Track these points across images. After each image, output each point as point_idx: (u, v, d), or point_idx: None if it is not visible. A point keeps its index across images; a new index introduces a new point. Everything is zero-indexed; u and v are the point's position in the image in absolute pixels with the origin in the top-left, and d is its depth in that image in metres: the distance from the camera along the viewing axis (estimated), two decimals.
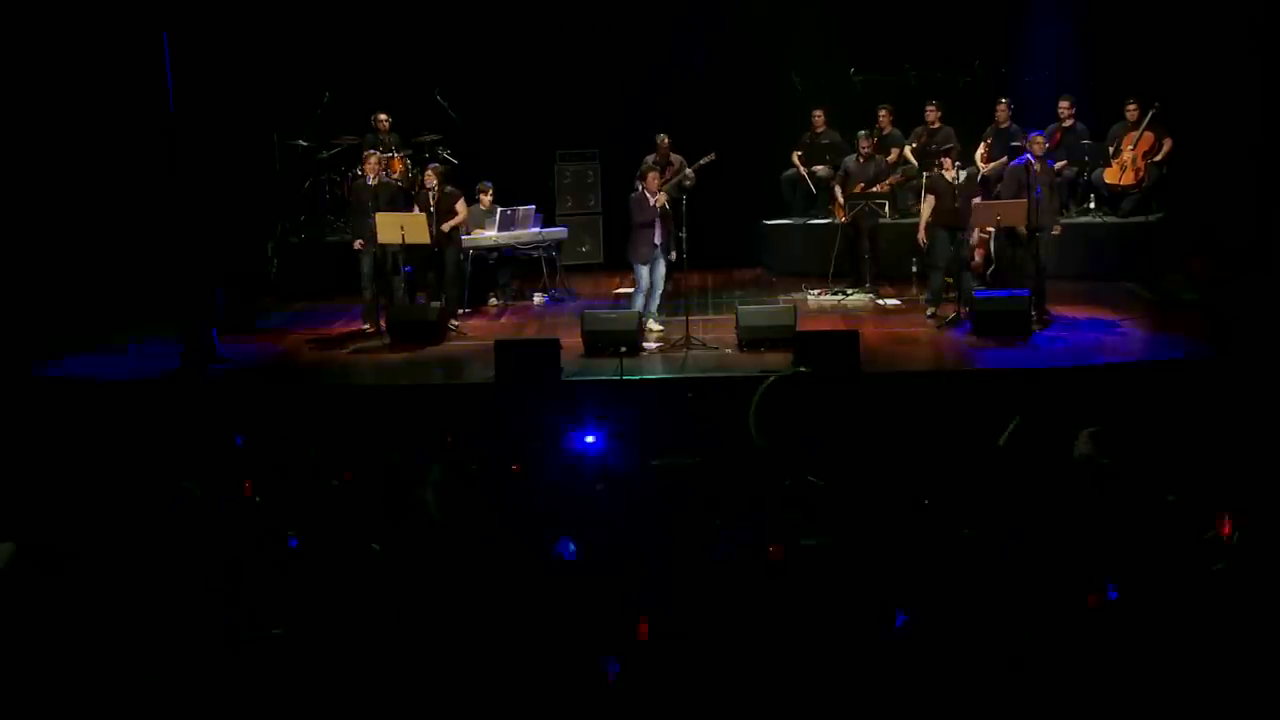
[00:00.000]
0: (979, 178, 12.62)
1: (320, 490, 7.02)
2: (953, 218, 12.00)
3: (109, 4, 14.03)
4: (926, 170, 13.96)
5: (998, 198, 12.13)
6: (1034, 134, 12.31)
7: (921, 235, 12.25)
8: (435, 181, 12.56)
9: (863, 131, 13.72)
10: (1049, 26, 14.67)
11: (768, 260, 14.96)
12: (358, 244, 12.45)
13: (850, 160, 13.62)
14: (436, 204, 12.38)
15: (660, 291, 12.14)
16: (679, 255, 11.95)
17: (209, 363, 11.42)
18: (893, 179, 13.85)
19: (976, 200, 12.00)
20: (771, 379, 9.65)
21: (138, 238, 14.00)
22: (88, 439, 9.09)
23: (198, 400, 10.49)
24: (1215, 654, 4.57)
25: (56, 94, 13.95)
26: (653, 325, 12.06)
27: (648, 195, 11.79)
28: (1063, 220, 12.72)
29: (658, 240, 11.83)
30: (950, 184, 12.01)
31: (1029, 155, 11.88)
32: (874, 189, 13.36)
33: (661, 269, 12.01)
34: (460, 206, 12.74)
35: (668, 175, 13.79)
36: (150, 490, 6.95)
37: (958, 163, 12.28)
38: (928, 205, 12.24)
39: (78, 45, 13.94)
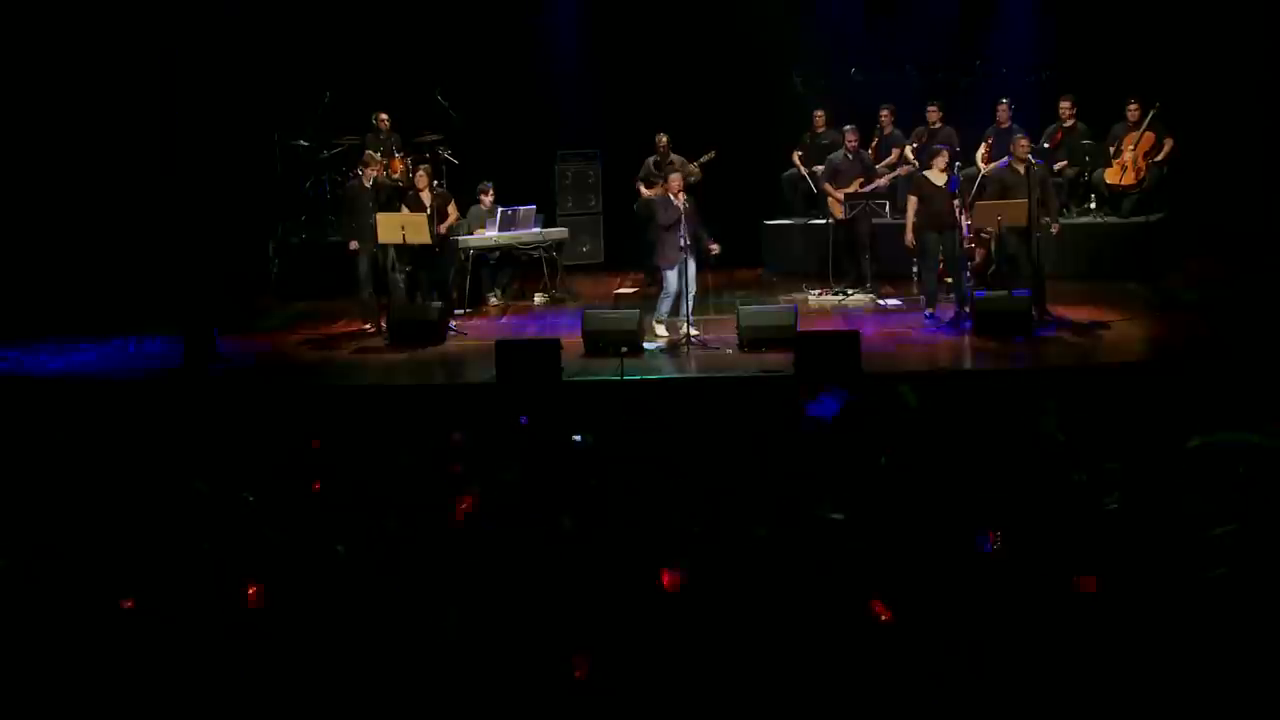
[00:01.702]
0: (979, 179, 12.62)
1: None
2: (941, 219, 12.00)
3: (112, 4, 14.06)
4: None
5: (992, 199, 12.15)
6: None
7: (909, 237, 12.25)
8: (426, 182, 12.57)
9: (848, 126, 13.67)
10: (1050, 26, 14.67)
11: (768, 260, 14.97)
12: (352, 245, 12.49)
13: (838, 156, 13.59)
14: (430, 204, 12.40)
15: (693, 293, 11.89)
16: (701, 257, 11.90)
17: (209, 362, 11.43)
18: (890, 175, 13.82)
19: (978, 201, 12.02)
20: None
21: (139, 237, 14.04)
22: (86, 439, 9.07)
23: (198, 399, 10.48)
24: (1208, 653, 4.58)
25: (59, 94, 13.97)
26: (688, 328, 11.83)
27: (670, 197, 11.70)
28: (1063, 220, 12.71)
29: (683, 242, 11.74)
30: (937, 186, 12.01)
31: (1009, 158, 11.92)
32: (871, 187, 13.34)
33: (692, 270, 11.81)
34: (452, 208, 12.78)
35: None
36: (151, 490, 6.94)
37: (958, 163, 12.28)
38: (911, 207, 12.24)
39: (80, 45, 13.96)
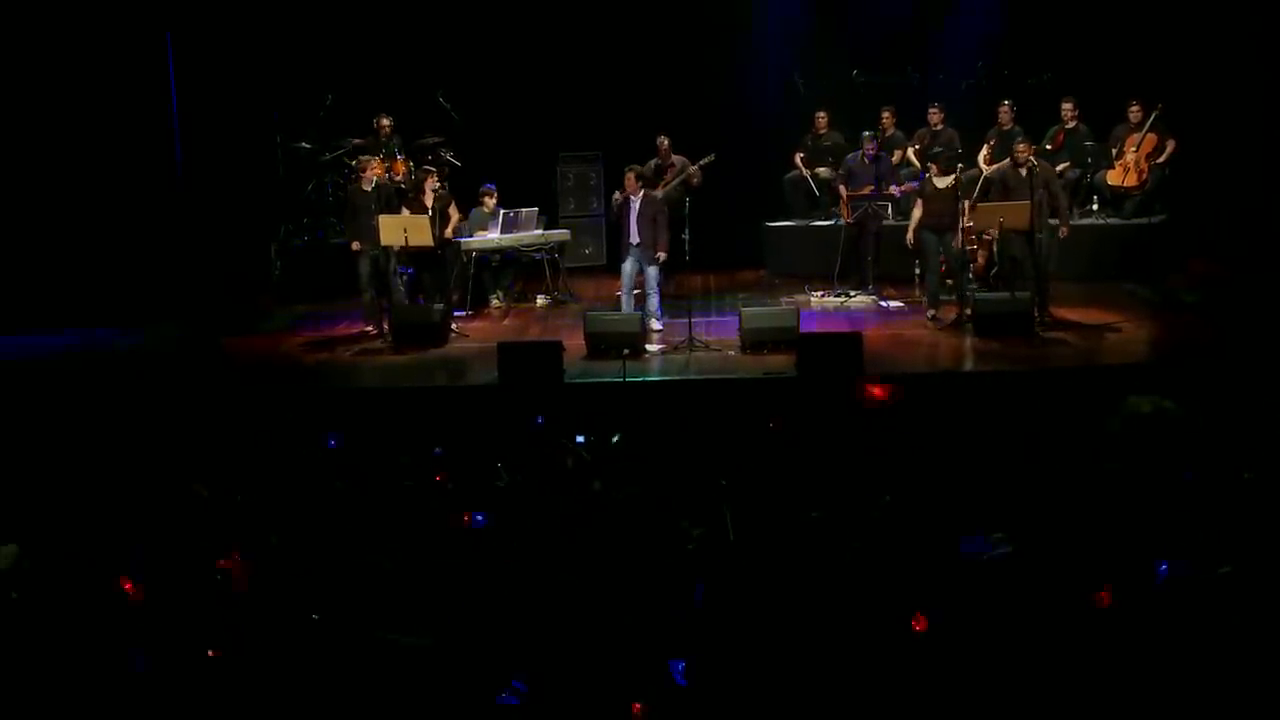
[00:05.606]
0: (980, 180, 12.62)
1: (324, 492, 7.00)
2: (939, 220, 12.01)
3: (113, 4, 14.08)
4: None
5: (995, 201, 12.15)
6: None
7: (909, 238, 12.27)
8: (435, 184, 12.60)
9: (867, 133, 13.72)
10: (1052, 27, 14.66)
11: (770, 262, 14.97)
12: (355, 246, 12.51)
13: (853, 160, 13.62)
14: (433, 206, 12.42)
15: (647, 291, 12.17)
16: (683, 256, 11.98)
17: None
18: (905, 187, 13.80)
19: (980, 203, 12.03)
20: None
21: (142, 238, 14.05)
22: (87, 436, 9.09)
23: (198, 400, 10.48)
24: (1217, 656, 4.57)
25: (61, 94, 13.98)
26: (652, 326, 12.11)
27: (620, 194, 12.15)
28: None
29: (630, 239, 12.07)
30: (937, 188, 12.03)
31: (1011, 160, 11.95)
32: (881, 193, 13.36)
33: (646, 270, 12.07)
34: (453, 209, 12.81)
35: (668, 177, 13.83)
36: (152, 489, 6.95)
37: (960, 165, 12.29)
38: (917, 209, 12.27)
39: (82, 46, 13.98)
